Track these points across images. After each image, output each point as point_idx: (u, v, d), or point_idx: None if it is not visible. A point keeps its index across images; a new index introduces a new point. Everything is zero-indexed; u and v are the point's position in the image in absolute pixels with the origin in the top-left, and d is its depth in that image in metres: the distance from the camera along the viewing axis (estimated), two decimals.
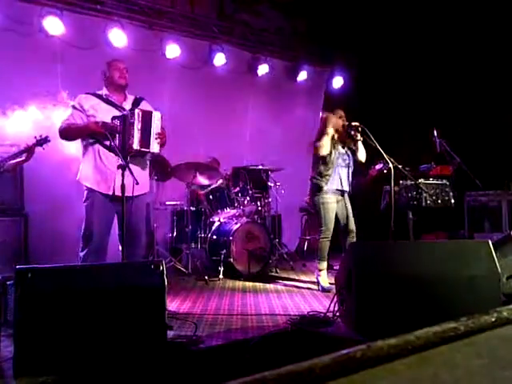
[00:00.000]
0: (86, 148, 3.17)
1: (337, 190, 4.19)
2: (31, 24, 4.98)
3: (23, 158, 3.83)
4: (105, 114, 3.13)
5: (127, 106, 3.23)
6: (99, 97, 3.21)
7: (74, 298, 2.07)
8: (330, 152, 4.11)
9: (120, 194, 2.92)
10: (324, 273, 4.22)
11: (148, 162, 3.41)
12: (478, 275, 2.48)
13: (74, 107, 3.18)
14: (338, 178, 4.18)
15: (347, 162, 4.25)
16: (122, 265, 2.67)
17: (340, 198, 4.24)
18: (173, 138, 5.54)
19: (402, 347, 0.58)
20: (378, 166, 4.54)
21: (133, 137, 3.01)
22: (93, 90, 3.28)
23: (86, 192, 3.17)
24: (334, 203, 4.17)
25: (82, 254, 3.09)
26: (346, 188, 4.24)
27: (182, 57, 6.03)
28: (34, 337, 1.97)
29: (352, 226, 4.22)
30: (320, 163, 4.17)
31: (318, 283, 4.25)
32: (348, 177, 4.26)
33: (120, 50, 5.37)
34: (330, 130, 4.10)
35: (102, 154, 3.12)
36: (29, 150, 3.77)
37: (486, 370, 0.53)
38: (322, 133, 4.12)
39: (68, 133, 3.17)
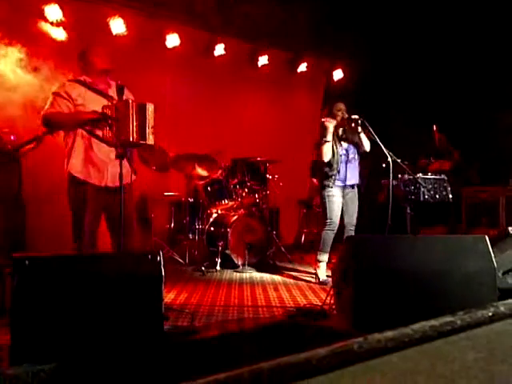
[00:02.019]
0: (73, 140, 3.03)
1: (343, 185, 4.20)
2: (31, 12, 4.94)
3: (32, 145, 3.99)
4: (94, 103, 3.00)
5: (113, 93, 3.09)
6: (84, 85, 3.06)
7: (72, 287, 2.07)
8: (333, 153, 4.13)
9: (112, 185, 2.97)
10: (323, 265, 4.23)
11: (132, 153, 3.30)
12: (475, 270, 2.49)
13: (58, 94, 3.01)
14: (344, 174, 4.19)
15: (351, 155, 4.25)
16: (119, 254, 2.66)
17: (347, 191, 4.25)
18: (172, 128, 5.56)
19: (398, 340, 0.58)
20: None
21: (129, 128, 2.83)
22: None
23: (73, 185, 3.04)
24: (340, 197, 4.19)
25: (74, 246, 3.07)
26: (353, 181, 4.26)
27: (182, 47, 5.99)
28: (31, 325, 1.97)
29: (354, 219, 4.24)
30: (325, 165, 4.18)
31: (315, 275, 4.27)
32: (354, 170, 4.26)
33: (120, 38, 5.34)
34: (330, 137, 4.10)
35: (93, 145, 3.02)
36: (39, 139, 3.88)
37: (483, 363, 0.53)
38: (322, 139, 4.11)
39: (55, 121, 3.01)
